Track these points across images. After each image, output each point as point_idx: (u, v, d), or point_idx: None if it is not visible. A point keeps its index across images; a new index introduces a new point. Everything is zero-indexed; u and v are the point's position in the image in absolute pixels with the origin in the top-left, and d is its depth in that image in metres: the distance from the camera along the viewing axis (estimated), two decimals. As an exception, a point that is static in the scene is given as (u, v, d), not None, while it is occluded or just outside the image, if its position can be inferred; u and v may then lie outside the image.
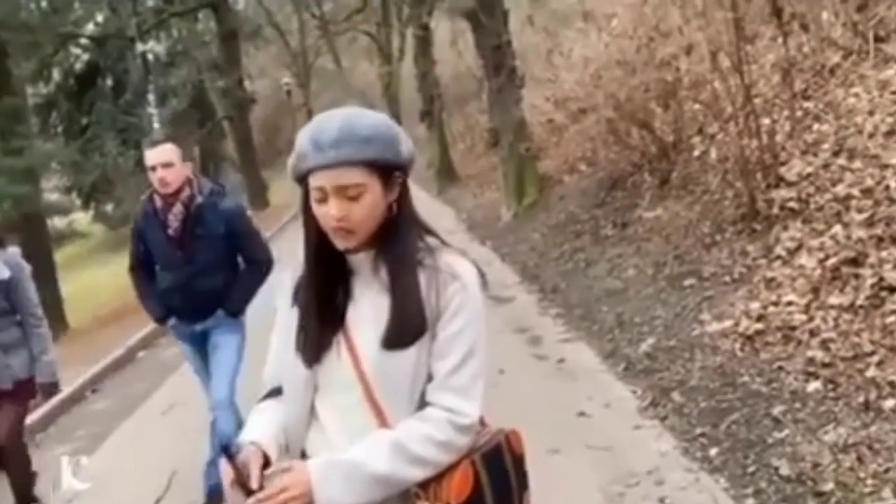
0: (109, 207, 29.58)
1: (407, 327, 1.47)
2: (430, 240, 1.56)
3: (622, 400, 4.54)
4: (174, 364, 7.38)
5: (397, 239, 1.51)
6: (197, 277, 3.86)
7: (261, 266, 3.96)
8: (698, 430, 3.87)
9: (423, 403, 1.50)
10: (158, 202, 3.86)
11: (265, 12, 31.46)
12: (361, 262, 1.54)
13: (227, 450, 1.45)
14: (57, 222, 20.86)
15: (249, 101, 27.04)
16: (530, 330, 6.31)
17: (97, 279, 21.11)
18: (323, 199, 1.47)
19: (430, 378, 1.50)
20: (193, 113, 29.24)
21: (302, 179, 1.49)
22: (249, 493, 1.44)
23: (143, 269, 4.07)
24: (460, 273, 1.51)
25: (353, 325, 1.53)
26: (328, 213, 1.46)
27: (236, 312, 3.98)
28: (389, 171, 1.48)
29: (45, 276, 15.52)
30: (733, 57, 6.01)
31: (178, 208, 3.80)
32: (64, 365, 8.26)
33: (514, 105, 11.40)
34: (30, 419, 6.05)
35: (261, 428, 1.57)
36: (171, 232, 3.83)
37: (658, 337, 5.22)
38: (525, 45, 13.28)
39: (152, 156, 3.74)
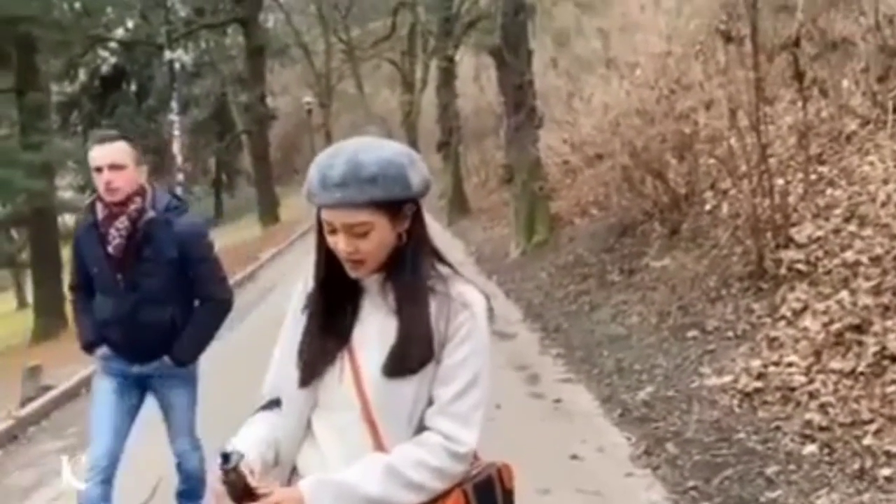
0: (120, 209, 29.80)
1: (411, 355, 1.49)
2: (443, 268, 1.58)
3: (616, 446, 4.53)
4: (172, 370, 7.40)
5: (407, 266, 1.52)
6: (140, 308, 3.18)
7: (216, 306, 3.34)
8: (690, 483, 3.85)
9: (421, 427, 1.51)
10: (100, 212, 3.19)
11: (294, 32, 31.96)
12: (371, 284, 1.56)
13: (226, 459, 1.46)
14: (68, 219, 20.95)
15: (270, 117, 27.33)
16: (530, 368, 6.31)
17: (102, 279, 21.19)
18: (332, 232, 1.50)
19: (430, 403, 1.51)
20: (213, 124, 29.62)
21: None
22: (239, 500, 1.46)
23: (85, 289, 3.35)
24: (471, 302, 1.53)
25: (359, 345, 1.54)
26: (337, 245, 1.49)
27: (186, 362, 3.31)
28: (398, 205, 1.49)
29: (51, 272, 15.64)
30: (752, 116, 6.08)
31: (122, 222, 3.13)
32: (61, 362, 8.29)
33: (530, 144, 11.51)
34: (23, 412, 6.09)
35: (248, 443, 1.57)
36: (111, 250, 3.15)
37: (657, 386, 5.21)
38: (546, 86, 13.43)
39: (100, 155, 3.11)
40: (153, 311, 3.20)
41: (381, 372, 1.49)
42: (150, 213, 3.16)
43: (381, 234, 1.48)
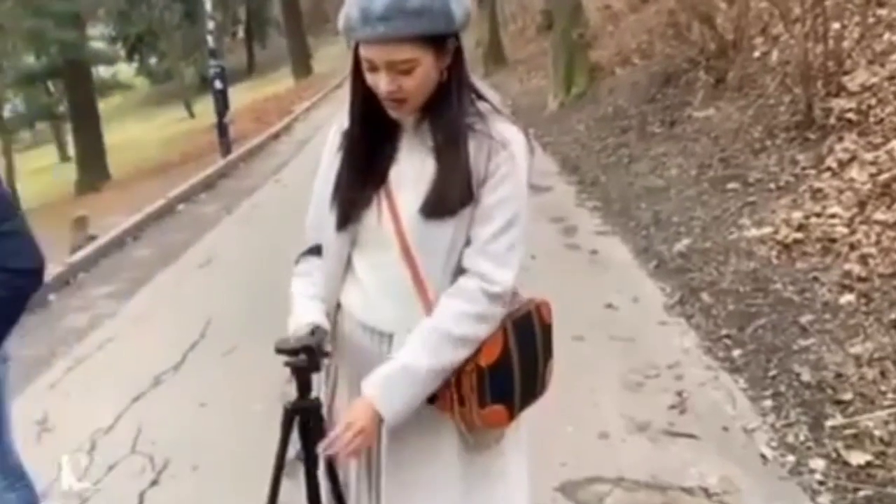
0: (153, 61, 29.54)
1: (450, 196, 1.46)
2: (483, 105, 1.52)
3: (650, 296, 4.57)
4: (213, 220, 7.56)
5: (448, 104, 1.47)
6: None
7: (13, 278, 1.91)
8: (723, 332, 3.90)
9: (460, 266, 1.50)
10: None
11: None
12: (410, 123, 1.51)
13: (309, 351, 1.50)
14: (102, 72, 20.86)
15: (299, -38, 26.26)
16: (566, 220, 6.30)
17: (141, 132, 21.32)
18: (373, 70, 1.43)
19: (468, 242, 1.50)
20: (241, -30, 28.60)
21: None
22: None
23: None
24: (510, 141, 1.48)
25: (395, 185, 1.52)
26: (378, 84, 1.43)
27: None
28: (442, 39, 1.42)
29: (88, 124, 15.78)
30: (810, -48, 5.68)
31: None
32: (104, 212, 8.52)
33: (571, -13, 10.97)
34: (73, 258, 6.31)
35: (313, 306, 1.59)
36: None
37: (694, 238, 5.19)
38: (590, -77, 12.64)
39: None
40: None
41: (420, 212, 1.47)
42: None
43: (425, 71, 1.42)
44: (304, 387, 1.55)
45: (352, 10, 1.39)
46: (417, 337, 1.48)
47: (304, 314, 1.57)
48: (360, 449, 1.49)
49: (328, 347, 1.54)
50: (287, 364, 1.50)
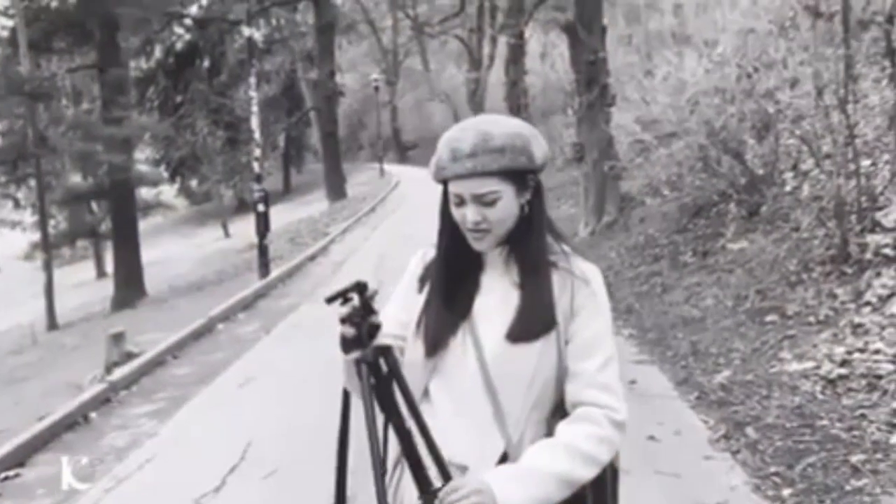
0: (194, 183, 30.69)
1: (535, 321, 1.53)
2: (564, 246, 1.63)
3: (693, 429, 4.51)
4: (251, 339, 7.64)
5: (530, 238, 1.58)
6: None
7: None
8: (772, 469, 3.82)
9: (540, 400, 1.53)
10: None
11: (361, 9, 32.05)
12: (494, 257, 1.61)
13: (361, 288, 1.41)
14: (144, 193, 21.64)
15: (338, 94, 27.57)
16: (602, 348, 6.28)
17: (178, 250, 21.84)
18: (460, 204, 1.56)
19: (565, 376, 1.54)
20: (283, 101, 30.09)
21: (442, 181, 1.59)
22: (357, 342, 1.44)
23: None
24: (591, 279, 1.59)
25: (480, 316, 1.59)
26: (465, 216, 1.55)
27: None
28: (523, 175, 1.56)
29: (128, 242, 16.23)
30: (839, 94, 5.91)
31: None
32: (140, 329, 8.66)
33: (602, 122, 11.37)
34: (114, 376, 6.38)
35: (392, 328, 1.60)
36: None
37: (734, 370, 5.16)
38: (620, 63, 13.24)
39: None
40: None
41: (505, 337, 1.54)
42: None
43: (507, 203, 1.54)
44: (362, 328, 1.43)
45: (443, 152, 1.54)
46: (545, 446, 1.49)
47: None
48: None
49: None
50: (343, 319, 1.42)
